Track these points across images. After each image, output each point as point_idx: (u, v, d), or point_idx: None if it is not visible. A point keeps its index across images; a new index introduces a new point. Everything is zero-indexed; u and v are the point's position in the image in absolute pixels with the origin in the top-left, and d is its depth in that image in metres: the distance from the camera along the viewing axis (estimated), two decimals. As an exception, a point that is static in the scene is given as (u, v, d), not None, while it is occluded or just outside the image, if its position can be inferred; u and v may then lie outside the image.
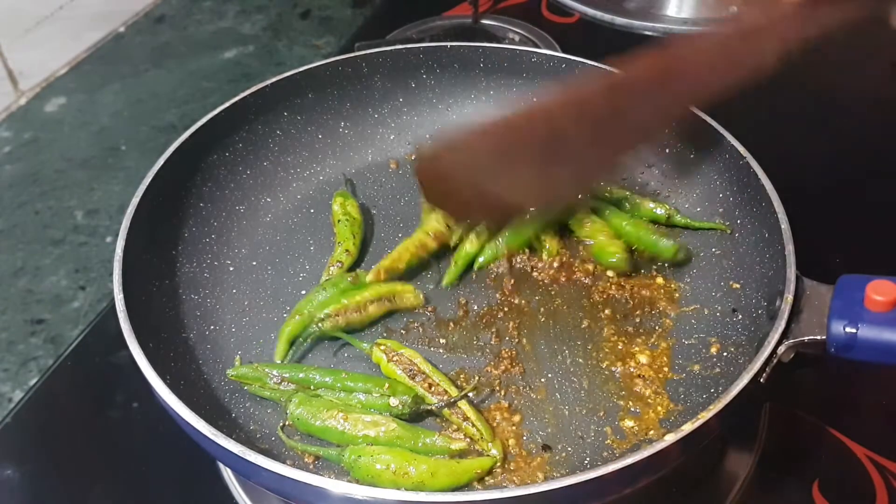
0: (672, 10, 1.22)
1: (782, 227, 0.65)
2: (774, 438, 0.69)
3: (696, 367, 0.66)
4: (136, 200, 0.70)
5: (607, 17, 1.20)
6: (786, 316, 0.58)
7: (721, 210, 0.75)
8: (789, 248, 0.63)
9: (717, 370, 0.65)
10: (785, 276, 0.60)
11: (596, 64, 0.82)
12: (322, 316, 0.68)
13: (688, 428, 0.53)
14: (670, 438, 0.52)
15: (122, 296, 0.63)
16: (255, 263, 0.77)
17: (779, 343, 0.57)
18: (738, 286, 0.70)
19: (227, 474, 0.70)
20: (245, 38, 1.24)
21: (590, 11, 1.21)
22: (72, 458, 0.72)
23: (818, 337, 0.57)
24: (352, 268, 0.75)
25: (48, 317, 0.85)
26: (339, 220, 0.78)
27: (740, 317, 0.68)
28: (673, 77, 0.54)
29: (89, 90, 1.15)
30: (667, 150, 0.81)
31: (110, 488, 0.70)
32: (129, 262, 0.66)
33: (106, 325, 0.82)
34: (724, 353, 0.66)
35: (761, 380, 0.56)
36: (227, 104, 0.80)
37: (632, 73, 0.54)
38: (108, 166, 1.03)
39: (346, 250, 0.75)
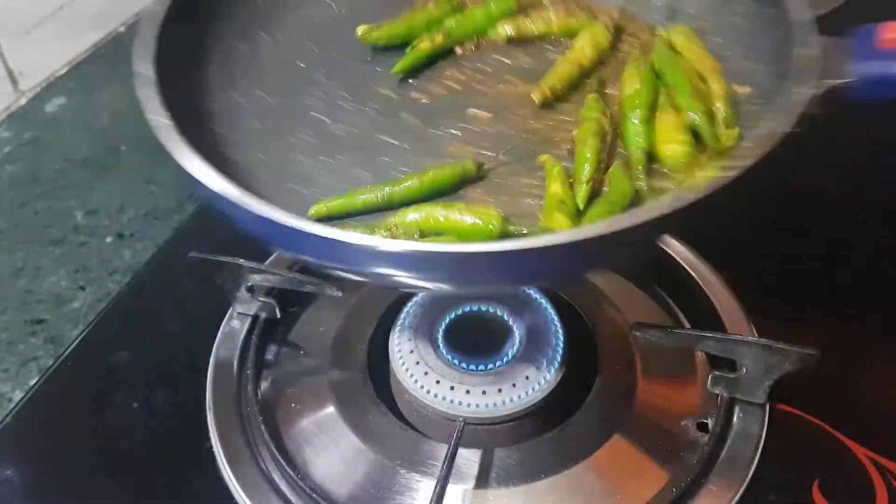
0: (672, 9, 1.22)
1: None
2: (774, 438, 0.69)
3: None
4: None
5: (607, 16, 1.20)
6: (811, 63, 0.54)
7: None
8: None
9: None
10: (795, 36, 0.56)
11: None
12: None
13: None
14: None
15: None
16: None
17: (809, 85, 0.53)
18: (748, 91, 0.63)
19: (227, 475, 0.70)
20: (245, 38, 1.24)
21: (590, 11, 1.21)
22: (72, 458, 0.72)
23: (845, 79, 0.54)
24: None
25: (48, 317, 0.86)
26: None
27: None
28: None
29: (89, 90, 1.15)
30: None
31: (110, 488, 0.70)
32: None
33: (106, 325, 0.82)
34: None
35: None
36: None
37: None
38: (108, 166, 1.03)
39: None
